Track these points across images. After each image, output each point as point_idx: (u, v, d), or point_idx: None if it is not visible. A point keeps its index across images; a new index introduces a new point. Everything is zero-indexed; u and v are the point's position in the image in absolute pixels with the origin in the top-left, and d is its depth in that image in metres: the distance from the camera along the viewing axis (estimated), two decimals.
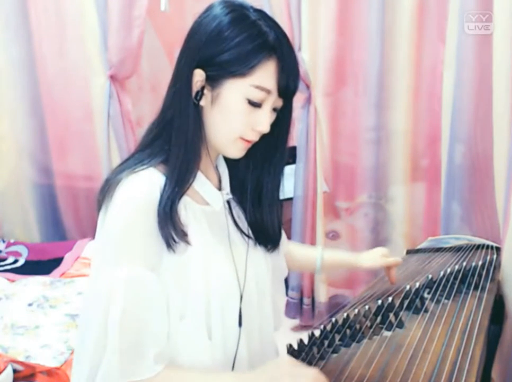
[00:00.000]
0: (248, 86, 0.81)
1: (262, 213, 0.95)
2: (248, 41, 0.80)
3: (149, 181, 0.81)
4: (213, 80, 0.82)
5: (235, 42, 0.80)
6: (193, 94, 0.83)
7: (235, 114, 0.83)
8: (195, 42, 0.83)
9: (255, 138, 0.87)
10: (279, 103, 0.86)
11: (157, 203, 0.80)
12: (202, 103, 0.84)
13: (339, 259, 1.25)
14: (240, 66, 0.80)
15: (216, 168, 0.96)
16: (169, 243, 0.80)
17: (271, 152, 0.93)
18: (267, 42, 0.81)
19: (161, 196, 0.80)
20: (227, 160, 0.96)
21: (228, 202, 0.95)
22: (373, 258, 1.22)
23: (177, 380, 0.78)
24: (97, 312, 0.78)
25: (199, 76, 0.83)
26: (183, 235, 0.81)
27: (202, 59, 0.82)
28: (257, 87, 0.81)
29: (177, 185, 0.82)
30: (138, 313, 0.78)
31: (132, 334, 0.77)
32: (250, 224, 0.95)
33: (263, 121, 0.84)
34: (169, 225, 0.79)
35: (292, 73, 0.84)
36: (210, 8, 0.84)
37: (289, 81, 0.83)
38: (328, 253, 1.22)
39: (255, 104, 0.83)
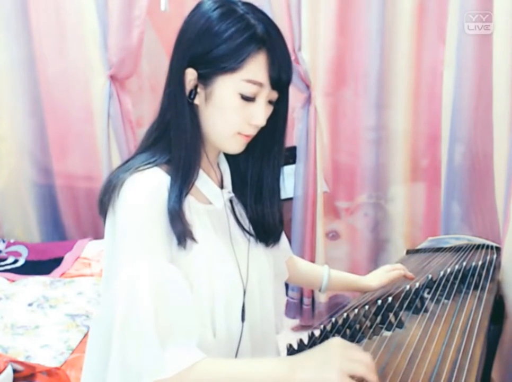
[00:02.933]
0: (240, 81, 0.81)
1: (263, 206, 0.95)
2: (236, 35, 0.79)
3: (155, 179, 0.81)
4: (205, 78, 0.82)
5: (223, 38, 0.79)
6: (187, 93, 0.83)
7: (229, 110, 0.82)
8: (185, 41, 0.83)
9: (252, 132, 0.86)
10: (274, 95, 0.85)
11: (165, 201, 0.80)
12: (196, 101, 0.84)
13: (345, 280, 1.22)
14: (230, 61, 0.80)
15: (218, 166, 0.96)
16: (180, 240, 0.80)
17: (269, 145, 0.92)
18: (256, 35, 0.80)
19: (169, 195, 0.80)
20: (228, 157, 0.97)
21: (230, 200, 0.95)
22: (379, 276, 1.20)
23: (222, 366, 0.74)
24: (124, 307, 0.74)
25: (190, 75, 0.83)
26: (190, 234, 0.81)
27: (193, 58, 0.82)
28: (249, 81, 0.81)
29: (182, 184, 0.82)
30: (168, 302, 0.75)
31: (167, 323, 0.73)
32: (251, 220, 0.96)
33: (258, 115, 0.84)
34: (180, 223, 0.80)
35: (284, 64, 0.83)
36: (198, 5, 0.84)
37: (281, 73, 0.83)
38: (335, 272, 1.20)
39: (248, 99, 0.82)
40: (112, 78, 2.38)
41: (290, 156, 2.33)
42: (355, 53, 2.18)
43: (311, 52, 2.15)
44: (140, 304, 0.73)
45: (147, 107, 2.78)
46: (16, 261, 2.35)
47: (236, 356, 0.88)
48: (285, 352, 0.99)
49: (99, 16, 2.32)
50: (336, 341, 0.73)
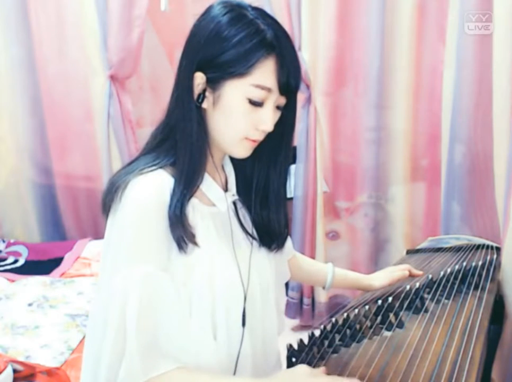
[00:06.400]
0: (248, 86, 0.80)
1: (269, 212, 0.95)
2: (246, 40, 0.79)
3: (159, 182, 0.81)
4: (213, 82, 0.82)
5: (233, 42, 0.79)
6: (195, 97, 0.83)
7: (237, 114, 0.82)
8: (195, 45, 0.83)
9: (259, 137, 0.86)
10: (282, 100, 0.85)
11: (167, 205, 0.80)
12: (204, 105, 0.84)
13: (349, 278, 1.22)
14: (239, 66, 0.80)
15: (222, 169, 0.96)
16: (181, 245, 0.80)
17: (276, 150, 0.92)
18: (265, 40, 0.80)
19: (171, 199, 0.81)
20: (233, 160, 0.96)
21: (234, 203, 0.95)
22: (382, 277, 1.21)
23: (192, 379, 0.78)
24: (113, 314, 0.77)
25: (199, 79, 0.82)
26: (192, 237, 0.81)
27: (202, 61, 0.82)
28: (257, 86, 0.81)
29: (185, 188, 0.82)
30: (154, 313, 0.78)
31: (149, 334, 0.77)
32: (255, 224, 0.95)
33: (266, 120, 0.83)
34: (180, 228, 0.80)
35: (293, 70, 0.83)
36: (208, 9, 0.84)
37: (290, 78, 0.82)
38: (339, 270, 1.20)
39: (257, 103, 0.82)
40: (112, 78, 2.38)
41: None
42: (355, 53, 2.18)
43: (311, 52, 2.15)
44: (127, 314, 0.76)
45: (147, 107, 2.79)
46: (16, 261, 2.36)
47: (237, 360, 0.88)
48: (285, 352, 0.99)
49: (99, 16, 2.32)
50: (302, 369, 0.75)
